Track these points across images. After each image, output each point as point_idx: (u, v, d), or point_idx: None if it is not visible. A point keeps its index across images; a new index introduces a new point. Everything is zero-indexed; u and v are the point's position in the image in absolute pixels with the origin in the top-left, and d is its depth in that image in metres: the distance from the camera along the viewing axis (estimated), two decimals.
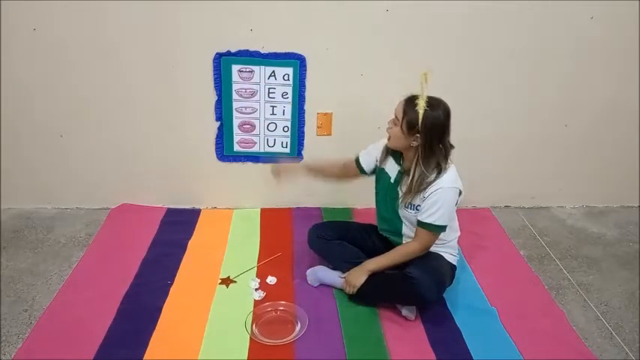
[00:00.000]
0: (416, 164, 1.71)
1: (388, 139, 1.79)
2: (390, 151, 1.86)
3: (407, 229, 1.86)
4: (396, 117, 1.73)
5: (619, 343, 1.78)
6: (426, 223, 1.74)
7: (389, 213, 1.88)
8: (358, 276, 1.85)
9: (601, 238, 2.43)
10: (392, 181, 1.85)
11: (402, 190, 1.80)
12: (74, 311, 1.82)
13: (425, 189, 1.72)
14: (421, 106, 1.65)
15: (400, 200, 1.80)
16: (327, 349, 1.69)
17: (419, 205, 1.76)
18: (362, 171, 1.98)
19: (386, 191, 1.87)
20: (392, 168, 1.86)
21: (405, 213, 1.82)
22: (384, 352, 1.68)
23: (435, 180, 1.71)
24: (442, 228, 1.76)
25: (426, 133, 1.67)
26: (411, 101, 1.68)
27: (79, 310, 1.82)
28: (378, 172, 1.93)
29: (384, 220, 1.94)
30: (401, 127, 1.70)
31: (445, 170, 1.72)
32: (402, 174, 1.81)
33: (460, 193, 1.77)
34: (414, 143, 1.70)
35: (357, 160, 1.98)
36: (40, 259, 2.14)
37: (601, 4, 2.21)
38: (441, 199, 1.71)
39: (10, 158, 2.40)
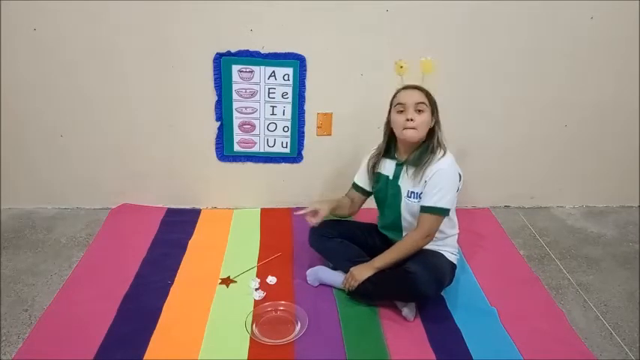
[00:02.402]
0: (437, 140, 1.80)
1: (409, 132, 1.76)
2: (382, 154, 1.90)
3: (407, 225, 1.87)
4: (420, 104, 1.75)
5: (619, 342, 1.78)
6: (428, 207, 1.76)
7: (389, 209, 1.90)
8: (363, 271, 1.83)
9: (601, 238, 2.44)
10: (391, 177, 1.87)
11: (402, 183, 1.83)
12: (74, 311, 1.82)
13: (425, 167, 1.76)
14: (427, 86, 1.79)
15: (411, 180, 1.80)
16: (327, 349, 1.69)
17: (421, 193, 1.78)
18: (364, 192, 2.00)
19: (386, 190, 1.89)
20: (389, 166, 1.88)
21: (408, 204, 1.83)
22: (384, 352, 1.68)
23: (436, 160, 1.76)
24: (445, 211, 1.77)
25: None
26: (420, 87, 1.78)
27: (79, 310, 1.82)
28: (376, 177, 1.94)
29: (384, 219, 1.96)
30: (432, 110, 1.78)
31: (446, 151, 1.80)
32: (401, 165, 1.84)
33: (460, 177, 1.80)
34: (432, 122, 1.79)
35: (355, 185, 2.01)
36: (41, 259, 2.14)
37: (601, 4, 2.21)
38: (442, 180, 1.74)
39: (10, 158, 2.40)
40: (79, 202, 2.53)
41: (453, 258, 1.90)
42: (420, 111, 1.75)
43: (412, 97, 1.76)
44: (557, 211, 2.66)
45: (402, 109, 1.77)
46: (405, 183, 1.83)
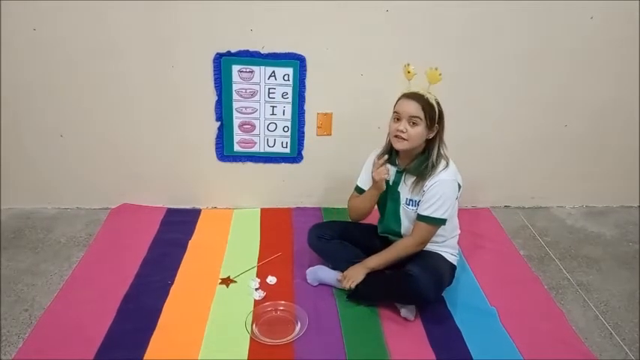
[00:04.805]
0: (437, 152, 1.77)
1: (398, 141, 1.74)
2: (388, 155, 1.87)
3: (405, 231, 1.87)
4: (414, 117, 1.71)
5: (618, 342, 1.78)
6: (423, 216, 1.76)
7: (389, 214, 1.90)
8: (358, 272, 1.85)
9: (600, 237, 2.44)
10: (391, 183, 1.87)
11: (402, 190, 1.83)
12: (74, 311, 1.82)
13: (425, 179, 1.75)
14: (433, 98, 1.72)
15: (411, 189, 1.80)
16: (327, 348, 1.69)
17: (419, 201, 1.78)
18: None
19: (386, 194, 1.88)
20: (391, 171, 1.87)
21: (406, 211, 1.83)
22: (384, 351, 1.69)
23: (437, 173, 1.75)
24: (440, 221, 1.77)
25: (442, 120, 1.75)
26: (421, 97, 1.71)
27: (79, 310, 1.82)
28: None
29: (383, 221, 1.95)
30: (426, 124, 1.72)
31: (448, 162, 1.78)
32: (401, 173, 1.83)
33: (459, 186, 1.78)
34: (430, 135, 1.75)
35: (360, 190, 1.96)
36: (41, 259, 2.14)
37: (601, 4, 2.21)
38: (439, 192, 1.73)
39: (10, 158, 2.40)
40: (79, 202, 2.53)
41: (452, 259, 1.90)
42: (413, 123, 1.71)
43: (408, 109, 1.71)
44: (557, 211, 2.66)
45: (397, 117, 1.74)
46: (404, 190, 1.83)
